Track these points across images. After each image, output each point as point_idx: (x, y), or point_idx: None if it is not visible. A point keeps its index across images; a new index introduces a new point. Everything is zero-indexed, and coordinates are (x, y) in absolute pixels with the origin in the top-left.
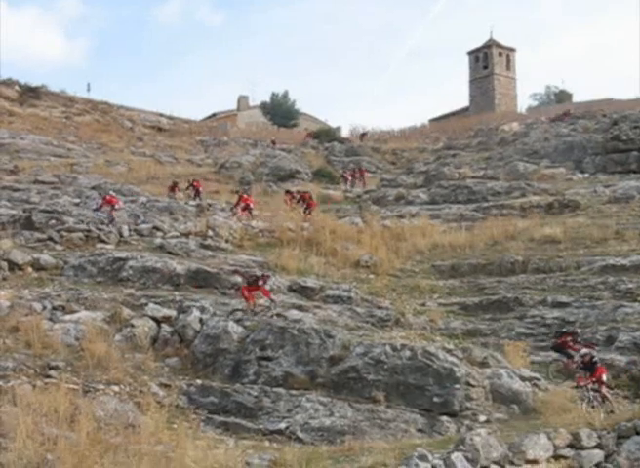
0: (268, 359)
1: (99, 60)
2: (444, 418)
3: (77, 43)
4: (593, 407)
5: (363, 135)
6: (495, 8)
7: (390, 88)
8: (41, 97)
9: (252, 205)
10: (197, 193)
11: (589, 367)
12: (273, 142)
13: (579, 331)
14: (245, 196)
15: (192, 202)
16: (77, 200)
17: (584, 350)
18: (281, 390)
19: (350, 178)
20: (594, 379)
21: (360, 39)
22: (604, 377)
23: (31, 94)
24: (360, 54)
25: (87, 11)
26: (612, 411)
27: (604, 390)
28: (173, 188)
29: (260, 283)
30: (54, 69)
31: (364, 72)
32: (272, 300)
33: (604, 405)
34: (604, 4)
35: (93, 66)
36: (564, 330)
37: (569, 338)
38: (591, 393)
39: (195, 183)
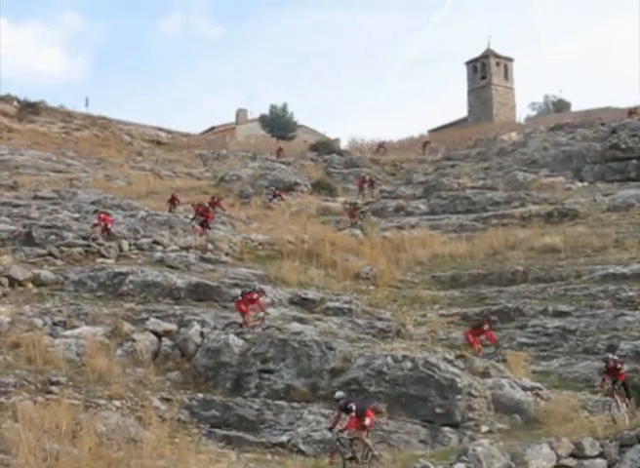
0: (270, 372)
1: (99, 76)
2: (446, 429)
3: (77, 58)
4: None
5: (425, 144)
6: (493, 17)
7: (389, 99)
8: (40, 112)
9: (210, 220)
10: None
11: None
12: (280, 149)
13: (609, 356)
14: (202, 208)
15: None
16: (77, 215)
17: (339, 393)
18: (283, 403)
19: (359, 188)
20: (356, 426)
21: (359, 50)
22: (367, 422)
23: (30, 109)
24: (359, 65)
25: (87, 26)
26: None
27: (364, 438)
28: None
29: (486, 327)
30: (54, 85)
31: (363, 83)
32: (497, 346)
33: (367, 459)
34: (601, 11)
35: (93, 81)
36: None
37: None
38: (342, 441)
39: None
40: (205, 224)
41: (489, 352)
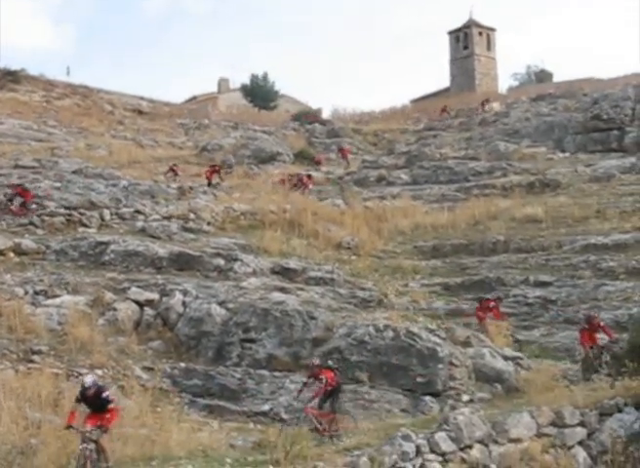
0: (252, 341)
1: (83, 47)
2: (427, 398)
3: (62, 29)
4: None
5: (485, 101)
6: None
7: (372, 70)
8: (21, 81)
9: (28, 200)
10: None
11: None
12: (312, 116)
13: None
14: (20, 189)
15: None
16: (58, 184)
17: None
18: (265, 372)
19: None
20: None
21: (343, 23)
22: (110, 419)
23: (10, 78)
24: (343, 38)
25: None
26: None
27: (104, 441)
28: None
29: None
30: (39, 56)
31: (346, 55)
32: (614, 341)
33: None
34: None
35: (77, 52)
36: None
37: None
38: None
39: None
40: (24, 205)
41: None
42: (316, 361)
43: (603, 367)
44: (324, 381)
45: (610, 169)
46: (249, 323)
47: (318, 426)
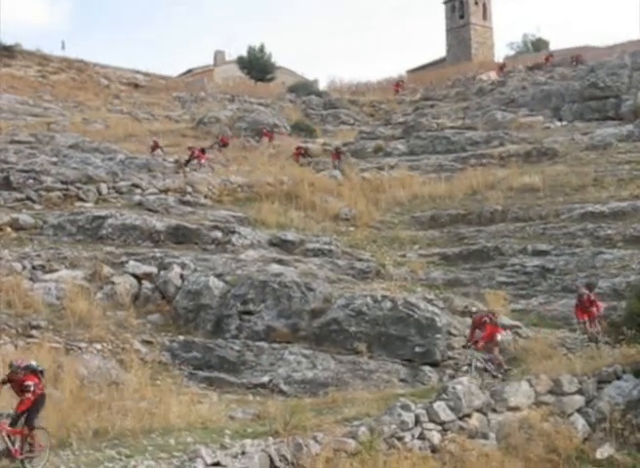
0: (250, 313)
1: (79, 21)
2: (426, 368)
3: (58, 4)
4: None
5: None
6: None
7: (368, 40)
8: (16, 56)
9: None
10: None
11: None
12: (399, 85)
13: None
14: None
15: None
16: (55, 159)
17: None
18: (263, 344)
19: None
20: None
21: None
22: None
23: (5, 53)
24: (339, 5)
25: None
26: None
27: None
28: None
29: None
30: (35, 31)
31: (343, 25)
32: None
33: None
34: None
35: (74, 27)
36: None
37: None
38: None
39: None
40: None
41: None
42: (21, 362)
43: (600, 338)
44: (32, 389)
45: (607, 137)
46: (247, 295)
47: (11, 447)
